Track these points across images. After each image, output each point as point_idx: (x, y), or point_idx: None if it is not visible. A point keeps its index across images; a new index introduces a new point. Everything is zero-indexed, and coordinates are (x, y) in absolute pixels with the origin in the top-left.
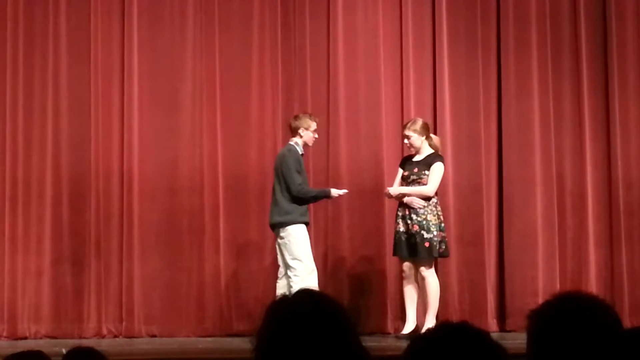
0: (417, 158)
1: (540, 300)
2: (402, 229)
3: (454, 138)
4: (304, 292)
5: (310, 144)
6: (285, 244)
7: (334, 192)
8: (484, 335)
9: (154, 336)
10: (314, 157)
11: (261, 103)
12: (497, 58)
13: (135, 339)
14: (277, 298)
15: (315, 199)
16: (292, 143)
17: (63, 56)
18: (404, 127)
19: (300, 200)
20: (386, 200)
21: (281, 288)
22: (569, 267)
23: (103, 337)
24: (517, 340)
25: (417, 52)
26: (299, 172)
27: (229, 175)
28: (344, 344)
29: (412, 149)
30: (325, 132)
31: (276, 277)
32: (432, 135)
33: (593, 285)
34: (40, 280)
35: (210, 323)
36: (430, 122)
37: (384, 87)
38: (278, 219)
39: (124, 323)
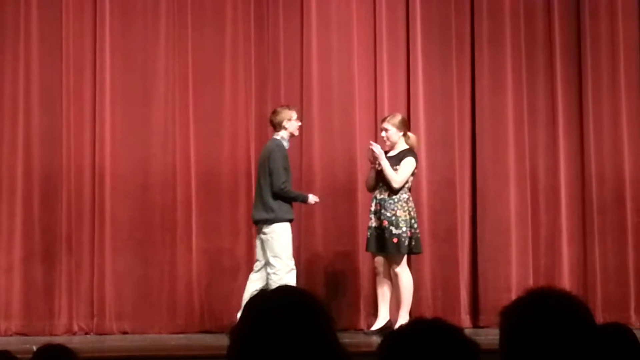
0: (391, 153)
1: (514, 296)
2: (374, 224)
3: (427, 133)
4: (283, 288)
5: (296, 134)
6: (268, 240)
7: (311, 199)
8: (457, 331)
9: (126, 333)
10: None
11: (234, 98)
12: (471, 53)
13: (106, 336)
14: (255, 293)
15: (293, 199)
16: (278, 137)
17: (34, 51)
18: (383, 119)
19: (279, 197)
20: (359, 196)
21: (253, 280)
22: (542, 263)
23: (74, 334)
24: (489, 336)
25: (391, 47)
26: (285, 169)
27: (202, 171)
28: (322, 341)
29: (387, 143)
30: (299, 128)
31: (249, 272)
32: (409, 133)
33: (566, 281)
34: (11, 277)
35: (182, 320)
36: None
37: (357, 82)
38: (264, 215)
39: (95, 320)
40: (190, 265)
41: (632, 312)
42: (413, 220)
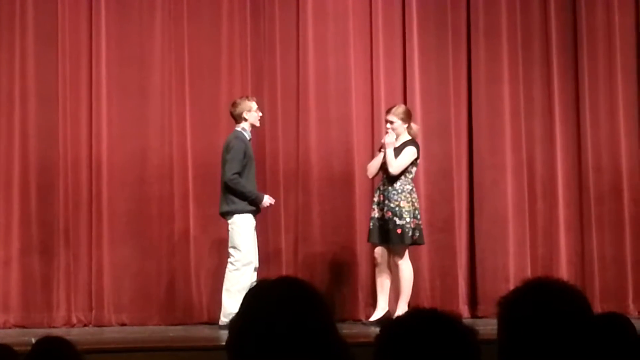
0: (395, 145)
1: (511, 286)
2: (377, 215)
3: (424, 124)
4: (282, 279)
5: (257, 124)
6: (229, 231)
7: (266, 200)
8: (455, 320)
9: (124, 325)
10: (283, 144)
11: (230, 90)
12: (467, 44)
13: (105, 328)
14: (254, 284)
15: (242, 195)
16: (239, 129)
17: (30, 44)
18: (387, 111)
19: (230, 189)
20: (356, 187)
21: None
22: (540, 253)
23: (73, 326)
24: (488, 326)
25: (387, 38)
26: (241, 161)
27: (199, 164)
28: (321, 332)
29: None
30: (295, 118)
31: None
32: (412, 124)
33: (564, 270)
34: (9, 270)
35: (180, 311)
36: None
37: (353, 73)
38: (226, 208)
39: (93, 312)
40: (188, 256)
41: (629, 302)
42: (417, 211)
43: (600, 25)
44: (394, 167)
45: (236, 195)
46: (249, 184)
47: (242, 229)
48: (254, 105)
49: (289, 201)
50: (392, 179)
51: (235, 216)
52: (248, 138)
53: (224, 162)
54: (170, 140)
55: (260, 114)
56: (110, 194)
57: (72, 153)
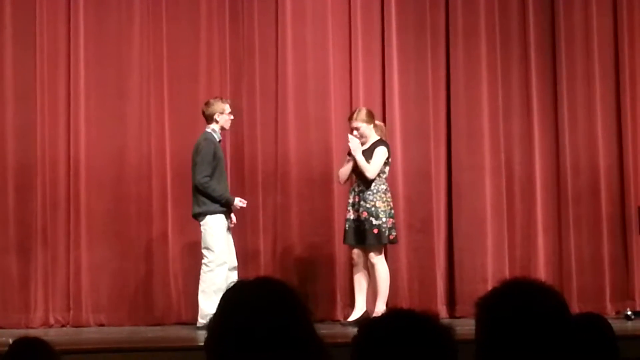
0: (364, 147)
1: (489, 287)
2: (352, 216)
3: (403, 125)
4: (260, 280)
5: (227, 127)
6: (202, 232)
7: (237, 203)
8: (432, 320)
9: (102, 325)
10: (262, 145)
11: (209, 91)
12: (446, 45)
13: (83, 328)
14: (232, 284)
15: (213, 198)
16: (209, 130)
17: (8, 44)
18: (350, 118)
19: (200, 191)
20: (335, 187)
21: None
22: (518, 254)
23: (50, 326)
24: (466, 326)
25: (366, 39)
26: (211, 163)
27: (177, 164)
28: (299, 332)
29: (362, 140)
30: (274, 120)
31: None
32: (377, 122)
33: (542, 271)
34: None
35: (159, 311)
36: (379, 109)
37: (332, 75)
38: (197, 209)
39: (71, 312)
40: (167, 256)
41: (607, 302)
42: (392, 211)
43: (579, 27)
44: (370, 171)
45: (209, 198)
46: (219, 187)
47: (214, 230)
48: (227, 107)
49: (268, 202)
50: (365, 180)
51: (207, 217)
52: (218, 139)
53: (194, 164)
54: (149, 141)
55: (232, 117)
56: (88, 194)
57: (50, 153)
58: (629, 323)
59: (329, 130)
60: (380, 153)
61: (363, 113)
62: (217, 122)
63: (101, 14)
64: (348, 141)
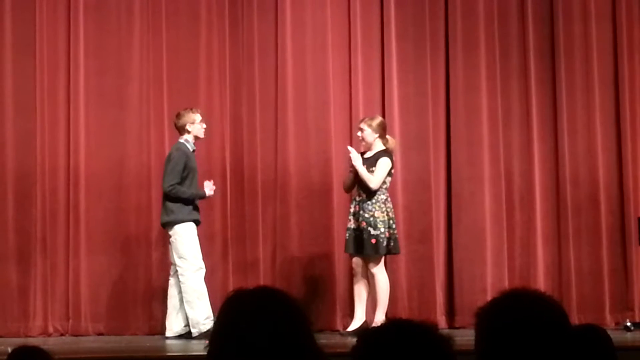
0: (367, 155)
1: (489, 297)
2: (353, 225)
3: (402, 135)
4: (260, 289)
5: (201, 136)
6: (172, 242)
7: (207, 191)
8: (431, 330)
9: (101, 334)
10: (262, 155)
11: (209, 100)
12: (446, 55)
13: (82, 337)
14: (232, 293)
15: (187, 200)
16: (182, 141)
17: (7, 52)
18: (361, 119)
19: (171, 199)
20: (335, 197)
21: (172, 285)
22: (517, 264)
23: (49, 335)
24: (465, 337)
25: (366, 48)
26: (180, 172)
27: None
28: (298, 342)
29: (363, 144)
30: (274, 129)
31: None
32: (388, 137)
33: (541, 282)
34: None
35: (158, 321)
36: None
37: (332, 84)
38: (165, 218)
39: (70, 321)
40: (166, 266)
41: (606, 313)
42: (392, 221)
43: (578, 37)
44: (374, 182)
45: (180, 202)
46: (189, 190)
47: (185, 238)
48: (197, 117)
49: (267, 211)
50: (368, 190)
51: (176, 226)
52: (191, 150)
53: (164, 173)
54: (149, 149)
55: (205, 125)
56: (87, 202)
57: (49, 161)
58: (629, 334)
59: (328, 139)
60: (384, 164)
61: (375, 121)
62: (189, 132)
63: (101, 23)
64: (348, 152)
